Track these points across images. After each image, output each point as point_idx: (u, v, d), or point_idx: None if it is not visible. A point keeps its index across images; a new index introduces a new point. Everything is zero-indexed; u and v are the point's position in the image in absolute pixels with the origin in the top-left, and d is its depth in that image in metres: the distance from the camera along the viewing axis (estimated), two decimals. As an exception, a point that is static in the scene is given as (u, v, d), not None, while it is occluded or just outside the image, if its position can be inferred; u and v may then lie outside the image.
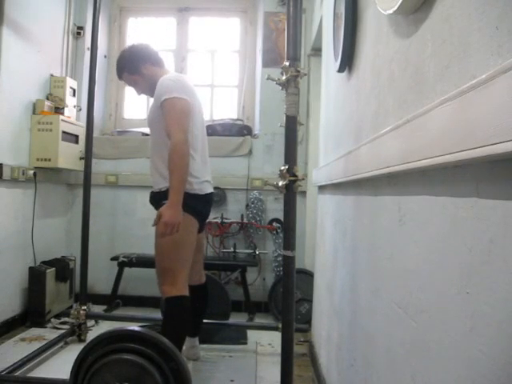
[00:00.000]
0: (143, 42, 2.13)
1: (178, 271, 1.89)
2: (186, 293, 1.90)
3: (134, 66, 2.03)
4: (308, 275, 2.95)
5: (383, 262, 1.08)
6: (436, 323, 0.75)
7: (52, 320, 2.85)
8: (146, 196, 2.10)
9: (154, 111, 1.94)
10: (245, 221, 3.30)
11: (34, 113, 2.88)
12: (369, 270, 1.22)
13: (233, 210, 3.36)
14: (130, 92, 3.74)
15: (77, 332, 2.50)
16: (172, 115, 1.82)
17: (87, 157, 2.55)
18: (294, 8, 1.37)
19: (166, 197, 1.80)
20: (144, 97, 3.13)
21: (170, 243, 1.86)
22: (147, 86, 2.05)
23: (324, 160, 2.29)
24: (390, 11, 0.93)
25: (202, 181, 1.99)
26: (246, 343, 2.62)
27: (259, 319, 3.07)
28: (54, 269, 2.87)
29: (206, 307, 2.29)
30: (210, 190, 2.05)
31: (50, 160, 2.88)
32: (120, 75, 2.10)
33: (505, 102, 0.52)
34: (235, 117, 3.64)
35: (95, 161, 2.98)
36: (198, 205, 1.96)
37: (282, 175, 1.34)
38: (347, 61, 1.58)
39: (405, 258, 0.92)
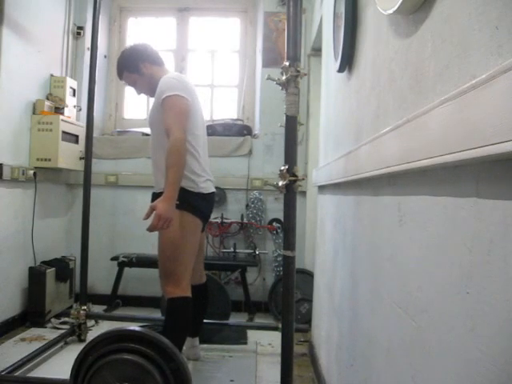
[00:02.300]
0: (143, 42, 2.14)
1: (182, 272, 1.89)
2: (189, 294, 1.91)
3: (133, 65, 2.04)
4: (308, 275, 2.95)
5: (383, 262, 1.08)
6: (436, 323, 0.75)
7: (52, 320, 2.85)
8: (146, 196, 2.10)
9: (155, 110, 1.94)
10: (245, 221, 3.30)
11: (34, 113, 2.88)
12: (369, 270, 1.22)
13: (233, 210, 3.36)
14: (130, 92, 3.75)
15: (77, 332, 2.50)
16: (172, 113, 1.82)
17: (87, 157, 2.55)
18: (294, 8, 1.37)
19: None
20: (144, 97, 3.13)
21: (174, 244, 1.86)
22: (147, 86, 2.06)
23: (324, 160, 2.29)
24: (390, 11, 0.93)
25: (206, 179, 1.99)
26: (246, 343, 2.62)
27: (259, 319, 3.07)
28: (53, 269, 2.87)
29: (206, 307, 2.29)
30: (212, 189, 2.06)
31: (50, 160, 2.88)
32: (120, 75, 2.10)
33: (505, 102, 0.52)
34: (235, 117, 3.64)
35: (95, 161, 2.97)
36: (202, 204, 1.96)
37: (281, 175, 1.34)
38: (347, 61, 1.58)
39: (405, 258, 0.92)
